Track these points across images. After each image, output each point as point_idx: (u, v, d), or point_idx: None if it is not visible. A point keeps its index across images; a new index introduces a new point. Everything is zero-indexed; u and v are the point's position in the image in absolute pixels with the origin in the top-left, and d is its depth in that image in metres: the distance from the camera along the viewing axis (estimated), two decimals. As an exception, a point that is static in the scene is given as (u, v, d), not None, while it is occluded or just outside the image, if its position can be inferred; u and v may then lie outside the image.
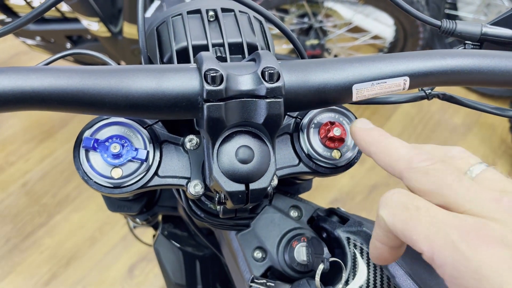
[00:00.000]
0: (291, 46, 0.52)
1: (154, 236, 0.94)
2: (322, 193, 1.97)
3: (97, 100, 0.35)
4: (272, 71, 0.38)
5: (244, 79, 0.38)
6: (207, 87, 0.36)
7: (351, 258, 0.47)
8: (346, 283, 0.46)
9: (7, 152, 1.97)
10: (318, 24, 1.95)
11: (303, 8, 1.92)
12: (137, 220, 0.84)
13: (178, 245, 0.85)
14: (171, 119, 0.49)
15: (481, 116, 2.26)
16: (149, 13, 0.67)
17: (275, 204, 0.57)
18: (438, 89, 0.52)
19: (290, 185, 0.63)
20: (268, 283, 0.50)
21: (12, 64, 2.29)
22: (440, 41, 2.28)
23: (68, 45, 1.53)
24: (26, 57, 2.30)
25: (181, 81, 0.37)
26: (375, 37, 2.23)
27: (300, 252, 0.52)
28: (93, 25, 1.38)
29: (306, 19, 1.95)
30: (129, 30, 1.39)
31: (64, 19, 1.44)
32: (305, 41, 1.93)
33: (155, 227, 0.94)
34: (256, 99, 0.38)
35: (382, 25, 2.24)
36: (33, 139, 2.02)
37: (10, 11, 1.42)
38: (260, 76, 0.38)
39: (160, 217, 0.90)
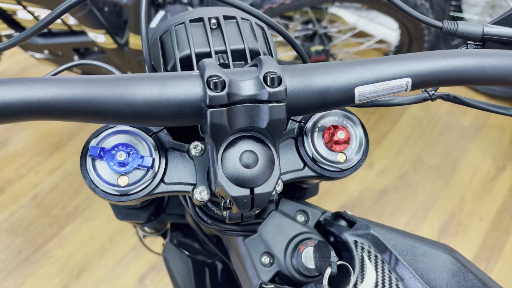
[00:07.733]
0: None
1: (163, 245, 0.94)
2: (331, 199, 1.96)
3: (102, 108, 0.36)
4: (273, 76, 0.38)
5: (246, 85, 0.38)
6: (210, 93, 0.37)
7: (359, 261, 0.47)
8: (355, 286, 0.45)
9: (17, 165, 1.99)
10: (323, 30, 1.95)
11: (307, 15, 1.93)
12: (146, 228, 0.84)
13: (187, 253, 0.85)
14: (175, 126, 0.49)
15: (490, 117, 2.24)
16: (154, 23, 0.68)
17: (281, 209, 0.57)
18: (442, 90, 0.52)
19: (296, 190, 0.63)
20: (276, 288, 0.50)
21: (21, 78, 2.31)
22: (446, 43, 2.27)
23: (76, 57, 1.55)
24: (34, 70, 2.33)
25: (184, 88, 0.37)
26: (380, 41, 2.23)
27: (308, 257, 0.51)
28: (99, 37, 1.39)
29: (310, 26, 1.96)
30: (135, 41, 1.40)
31: (71, 32, 1.46)
32: (310, 47, 1.93)
33: (164, 236, 0.94)
34: (259, 104, 0.38)
35: (387, 29, 2.24)
36: (43, 151, 2.04)
37: (18, 26, 1.44)
38: (262, 81, 0.38)
39: (168, 226, 0.90)
